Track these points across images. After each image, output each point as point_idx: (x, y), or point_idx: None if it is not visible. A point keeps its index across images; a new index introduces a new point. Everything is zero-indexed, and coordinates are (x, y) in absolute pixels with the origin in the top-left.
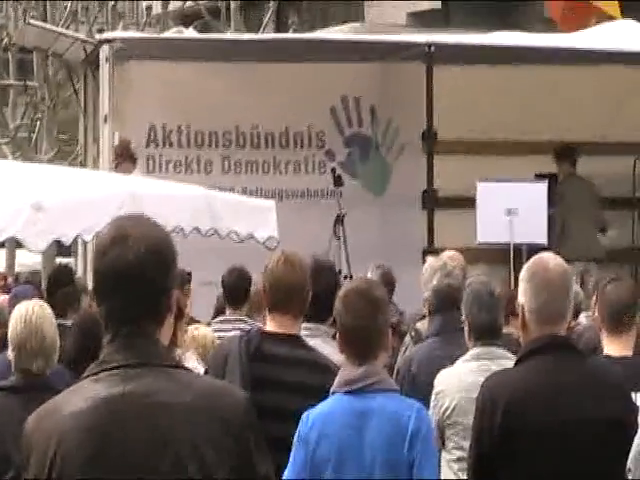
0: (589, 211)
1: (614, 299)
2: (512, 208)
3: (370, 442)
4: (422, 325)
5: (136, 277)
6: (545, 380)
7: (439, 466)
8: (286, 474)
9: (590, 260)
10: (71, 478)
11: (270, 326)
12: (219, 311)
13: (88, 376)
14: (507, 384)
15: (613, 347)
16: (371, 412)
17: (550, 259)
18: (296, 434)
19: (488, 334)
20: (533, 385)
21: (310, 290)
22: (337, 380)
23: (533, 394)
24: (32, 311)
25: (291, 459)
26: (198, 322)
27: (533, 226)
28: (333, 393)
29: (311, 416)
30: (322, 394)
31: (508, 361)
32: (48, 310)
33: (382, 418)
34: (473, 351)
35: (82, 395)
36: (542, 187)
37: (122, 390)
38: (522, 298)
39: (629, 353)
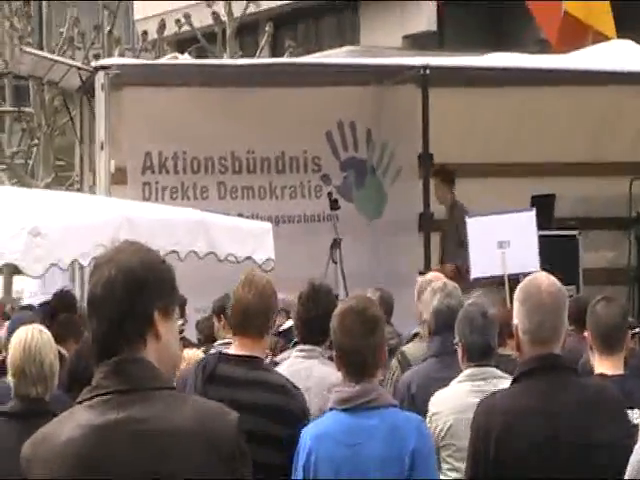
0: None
1: (604, 319)
2: (503, 240)
3: (368, 461)
4: (409, 348)
5: (106, 300)
6: (539, 402)
7: None
8: None
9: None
10: None
11: (233, 347)
12: (208, 337)
13: (81, 402)
14: (500, 407)
15: (605, 366)
16: (368, 430)
17: (544, 279)
18: (295, 453)
19: (481, 355)
20: (527, 407)
21: (272, 312)
22: (333, 398)
23: (527, 417)
24: (31, 336)
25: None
26: (194, 346)
27: (525, 255)
28: (330, 410)
29: (307, 436)
30: (277, 415)
31: (502, 380)
32: (47, 335)
33: (380, 436)
34: (466, 372)
35: (76, 422)
36: (530, 215)
37: (115, 417)
38: (516, 319)
39: (621, 371)
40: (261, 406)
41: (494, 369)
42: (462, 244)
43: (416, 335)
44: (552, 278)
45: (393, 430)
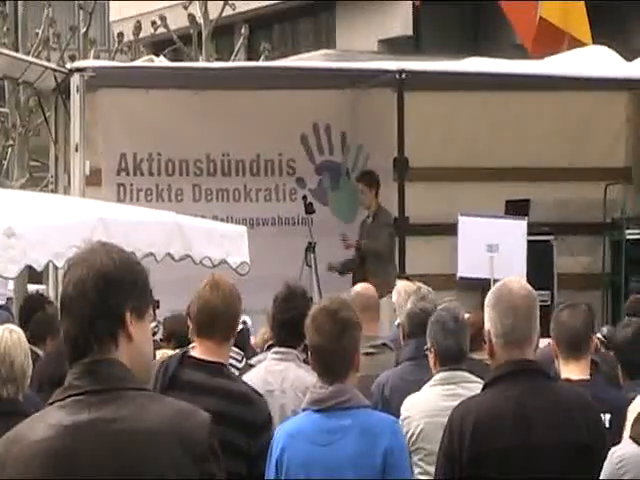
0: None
1: (570, 325)
2: (493, 244)
3: (340, 461)
4: None
5: (78, 300)
6: (512, 406)
7: None
8: None
9: None
10: None
11: (196, 351)
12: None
13: (54, 402)
14: (474, 412)
15: (570, 371)
16: (341, 430)
17: (514, 284)
18: (268, 453)
19: (453, 359)
20: (500, 411)
21: (237, 316)
22: (307, 398)
23: (500, 421)
24: (1, 336)
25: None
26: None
27: (513, 263)
28: (304, 410)
29: (281, 435)
30: (236, 424)
31: (474, 384)
32: (19, 334)
33: (353, 436)
34: (438, 376)
35: (48, 422)
36: (522, 224)
37: (87, 417)
38: (488, 324)
39: (587, 376)
40: (222, 414)
41: (465, 373)
42: (379, 255)
43: None
44: (523, 282)
45: (366, 430)
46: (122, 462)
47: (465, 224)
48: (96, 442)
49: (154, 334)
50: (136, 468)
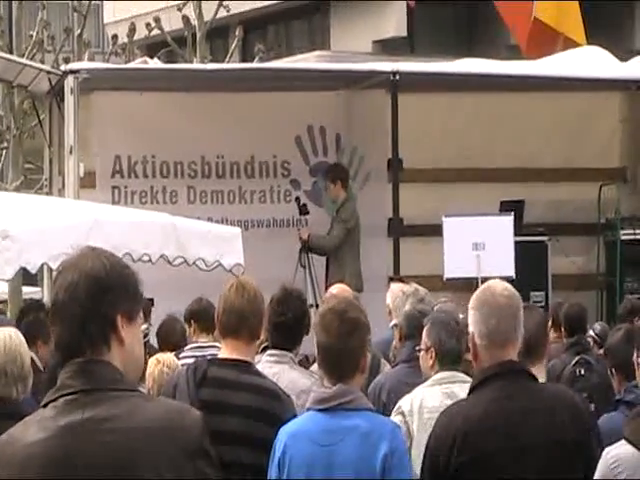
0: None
1: (527, 329)
2: (479, 242)
3: (341, 462)
4: None
5: (69, 304)
6: (497, 407)
7: None
8: None
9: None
10: None
11: (223, 352)
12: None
13: (47, 404)
14: (461, 415)
15: None
16: (343, 431)
17: (497, 285)
18: (271, 451)
19: (453, 360)
20: (486, 414)
21: (263, 317)
22: (311, 398)
23: (487, 423)
24: (9, 338)
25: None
26: (157, 351)
27: (500, 259)
28: (308, 410)
29: (283, 434)
30: (267, 418)
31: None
32: (22, 338)
33: (354, 437)
34: (438, 375)
35: (42, 423)
36: (508, 220)
37: (81, 417)
38: (472, 326)
39: (543, 381)
40: (252, 409)
41: (461, 374)
42: (323, 250)
43: None
44: (506, 284)
45: (367, 433)
46: (118, 460)
47: (450, 225)
48: (91, 441)
49: (145, 336)
50: (132, 466)
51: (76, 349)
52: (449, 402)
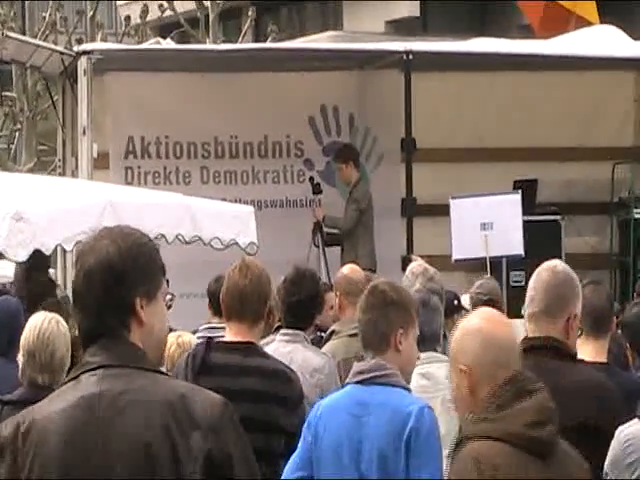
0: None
1: (594, 302)
2: (486, 222)
3: (368, 434)
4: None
5: (86, 291)
6: None
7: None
8: (290, 460)
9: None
10: (50, 471)
11: (228, 334)
12: None
13: (70, 380)
14: None
15: (587, 352)
16: (373, 405)
17: (553, 264)
18: (306, 422)
19: (432, 339)
20: None
21: (268, 298)
22: (352, 371)
23: None
24: (47, 324)
25: (299, 446)
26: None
27: (509, 238)
28: (347, 384)
29: (321, 406)
30: (275, 400)
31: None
32: (65, 328)
33: (382, 413)
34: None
35: (62, 395)
36: (516, 198)
37: (99, 389)
38: (527, 294)
39: (603, 359)
40: (260, 393)
41: (439, 354)
42: (339, 230)
43: (333, 333)
44: (565, 265)
45: (396, 410)
46: (132, 432)
47: (457, 206)
48: (107, 412)
49: (169, 308)
50: (145, 439)
51: (95, 335)
52: (425, 382)
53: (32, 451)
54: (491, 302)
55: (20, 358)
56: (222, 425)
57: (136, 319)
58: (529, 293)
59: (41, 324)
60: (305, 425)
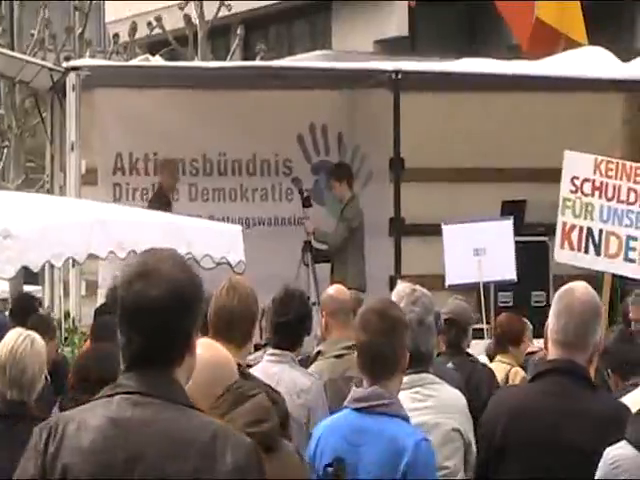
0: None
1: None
2: (479, 248)
3: (365, 463)
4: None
5: (153, 316)
6: (543, 404)
7: None
8: None
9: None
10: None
11: None
12: None
13: (103, 396)
14: (508, 402)
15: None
16: (370, 433)
17: (579, 287)
18: (309, 442)
19: (416, 362)
20: (530, 406)
21: (256, 318)
22: (349, 396)
23: (529, 414)
24: (21, 342)
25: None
26: None
27: (501, 263)
28: (345, 408)
29: (321, 427)
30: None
31: (440, 385)
32: (40, 346)
33: (379, 442)
34: (405, 379)
35: (97, 413)
36: (507, 224)
37: (130, 414)
38: (549, 319)
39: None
40: None
41: (431, 375)
42: (329, 246)
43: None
44: (589, 288)
45: (393, 440)
46: (154, 461)
47: (449, 232)
48: (133, 437)
49: None
50: (165, 470)
51: (150, 357)
52: (417, 405)
53: (60, 464)
54: (448, 321)
55: None
56: (249, 469)
57: (190, 350)
58: (558, 318)
59: (14, 342)
60: (308, 445)
